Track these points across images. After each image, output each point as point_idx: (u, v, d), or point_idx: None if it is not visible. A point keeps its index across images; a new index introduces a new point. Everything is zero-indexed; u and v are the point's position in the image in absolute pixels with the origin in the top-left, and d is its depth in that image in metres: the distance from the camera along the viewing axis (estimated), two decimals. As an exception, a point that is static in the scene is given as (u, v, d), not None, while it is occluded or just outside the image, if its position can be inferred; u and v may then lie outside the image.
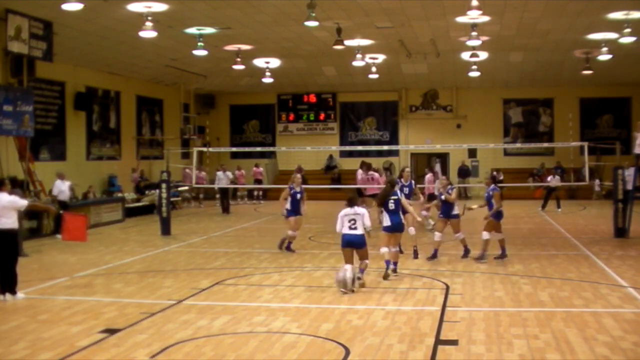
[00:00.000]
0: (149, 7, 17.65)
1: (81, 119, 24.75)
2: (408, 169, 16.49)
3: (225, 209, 25.52)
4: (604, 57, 23.69)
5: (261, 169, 30.74)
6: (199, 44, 21.21)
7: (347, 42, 21.63)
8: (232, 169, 29.19)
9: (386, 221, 11.62)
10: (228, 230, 19.69)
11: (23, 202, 10.37)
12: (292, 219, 14.76)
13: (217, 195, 28.23)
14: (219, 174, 27.08)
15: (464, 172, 31.51)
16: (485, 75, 28.77)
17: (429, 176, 19.92)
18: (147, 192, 26.22)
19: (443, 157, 32.74)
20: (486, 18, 19.35)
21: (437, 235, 13.59)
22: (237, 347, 7.55)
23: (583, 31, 21.67)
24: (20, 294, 10.16)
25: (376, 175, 20.43)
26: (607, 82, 30.14)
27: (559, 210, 24.10)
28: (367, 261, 10.85)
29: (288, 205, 14.77)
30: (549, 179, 25.08)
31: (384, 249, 11.46)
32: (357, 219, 10.56)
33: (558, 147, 29.88)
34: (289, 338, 7.89)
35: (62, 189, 18.62)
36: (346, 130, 34.24)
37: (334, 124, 34.23)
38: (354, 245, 10.63)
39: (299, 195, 14.92)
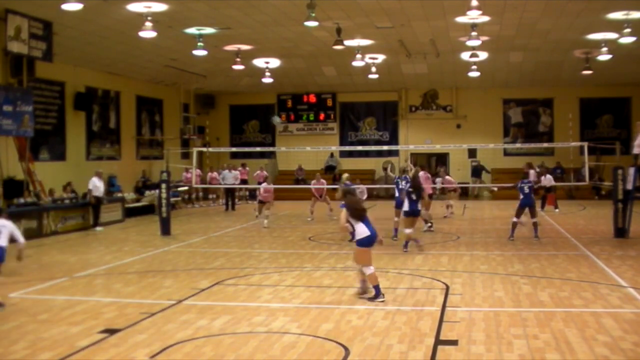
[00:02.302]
0: (149, 7, 17.66)
1: (81, 119, 24.75)
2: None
3: (231, 207, 26.81)
4: (604, 57, 23.68)
5: (247, 168, 30.42)
6: (199, 44, 21.22)
7: (347, 42, 21.64)
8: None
9: (405, 206, 14.58)
10: (228, 230, 19.68)
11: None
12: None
13: (212, 196, 30.43)
14: (225, 172, 28.31)
15: (478, 172, 31.13)
16: (485, 75, 28.77)
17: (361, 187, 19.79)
18: (146, 192, 26.19)
19: (443, 157, 32.75)
20: (486, 18, 19.36)
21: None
22: (237, 347, 7.55)
23: (583, 31, 21.67)
24: None
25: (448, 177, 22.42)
26: (607, 82, 30.13)
27: (557, 210, 24.07)
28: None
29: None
30: (541, 179, 24.84)
31: (408, 230, 14.54)
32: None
33: (558, 147, 29.87)
34: (288, 338, 7.89)
35: (97, 185, 20.28)
36: (346, 131, 34.24)
37: (334, 124, 34.22)
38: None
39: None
